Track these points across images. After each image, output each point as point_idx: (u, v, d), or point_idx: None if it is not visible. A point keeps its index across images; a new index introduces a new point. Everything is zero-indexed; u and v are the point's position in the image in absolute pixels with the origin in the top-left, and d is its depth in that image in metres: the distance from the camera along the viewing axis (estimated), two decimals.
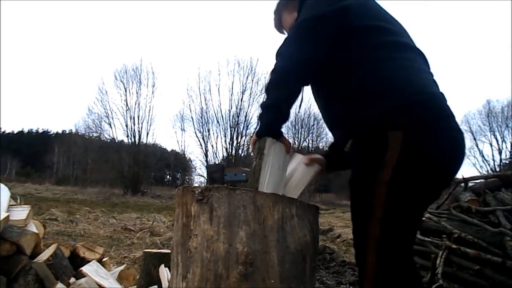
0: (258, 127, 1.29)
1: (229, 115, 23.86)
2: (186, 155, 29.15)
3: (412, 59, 1.23)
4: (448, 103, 1.21)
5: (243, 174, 1.53)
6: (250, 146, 1.34)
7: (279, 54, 1.21)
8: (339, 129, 1.33)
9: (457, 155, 1.19)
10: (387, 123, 1.13)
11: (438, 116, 1.15)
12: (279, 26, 1.52)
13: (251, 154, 1.39)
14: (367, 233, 1.18)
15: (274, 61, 1.23)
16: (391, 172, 1.12)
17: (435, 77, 1.26)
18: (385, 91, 1.15)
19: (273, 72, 1.22)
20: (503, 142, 28.09)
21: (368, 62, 1.18)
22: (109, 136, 25.12)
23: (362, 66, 1.19)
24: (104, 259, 2.45)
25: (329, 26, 1.17)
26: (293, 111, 1.26)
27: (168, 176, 38.36)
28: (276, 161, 1.27)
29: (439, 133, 1.13)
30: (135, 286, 2.27)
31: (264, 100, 1.24)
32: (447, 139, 1.15)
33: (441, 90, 1.23)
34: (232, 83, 23.77)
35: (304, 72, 1.21)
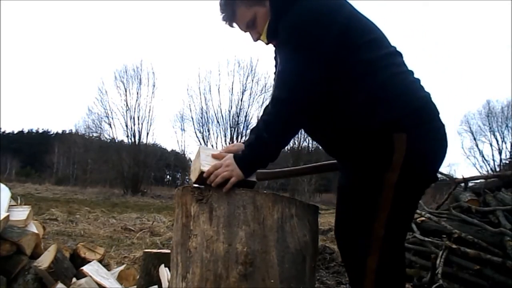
0: (244, 155, 1.20)
1: (229, 115, 23.85)
2: (186, 155, 29.14)
3: (402, 64, 1.26)
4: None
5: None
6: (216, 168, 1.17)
7: (284, 84, 1.18)
8: (337, 141, 1.30)
9: (445, 151, 1.25)
10: (392, 128, 1.16)
11: (432, 116, 1.21)
12: (231, 20, 1.37)
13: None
14: (372, 233, 1.18)
15: (277, 90, 1.21)
16: (398, 174, 1.15)
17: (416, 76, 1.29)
18: (387, 99, 1.18)
19: (278, 104, 1.19)
20: (503, 142, 28.07)
21: (369, 73, 1.19)
22: (109, 136, 25.11)
23: (363, 77, 1.20)
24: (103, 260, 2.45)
25: (328, 52, 1.17)
26: None
27: (168, 176, 38.37)
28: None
29: (434, 132, 1.20)
30: (135, 286, 2.27)
31: (261, 128, 1.19)
32: (440, 137, 1.22)
33: (426, 90, 1.27)
34: (232, 83, 23.74)
35: (310, 103, 1.19)
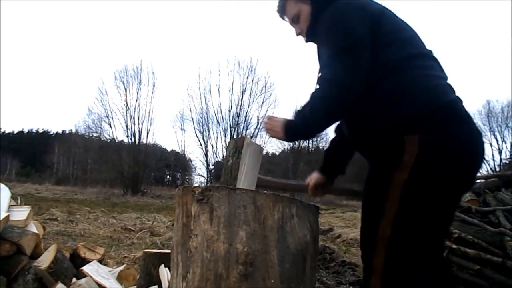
0: (290, 126, 1.31)
1: (229, 115, 23.84)
2: (186, 155, 29.14)
3: (430, 67, 1.25)
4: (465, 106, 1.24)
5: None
6: (269, 128, 1.36)
7: (331, 82, 1.22)
8: (357, 136, 1.35)
9: (474, 157, 1.20)
10: (405, 129, 1.16)
11: (454, 120, 1.18)
12: (282, 12, 1.51)
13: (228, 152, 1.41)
14: (377, 232, 1.20)
15: (323, 86, 1.25)
16: (407, 174, 1.14)
17: (449, 81, 1.28)
18: (403, 99, 1.18)
19: (321, 98, 1.24)
20: (503, 142, 28.05)
21: (390, 73, 1.21)
22: (109, 136, 25.10)
23: (383, 77, 1.21)
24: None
25: (368, 48, 1.21)
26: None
27: (168, 176, 38.34)
28: (252, 160, 1.33)
29: (456, 137, 1.16)
30: (135, 286, 2.27)
31: (309, 111, 1.26)
32: (462, 142, 1.17)
33: (457, 94, 1.25)
34: (232, 83, 23.72)
35: (352, 97, 1.23)
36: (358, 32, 1.21)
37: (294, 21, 1.46)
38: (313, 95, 1.27)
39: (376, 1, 1.34)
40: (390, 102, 1.19)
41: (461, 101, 1.23)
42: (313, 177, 1.69)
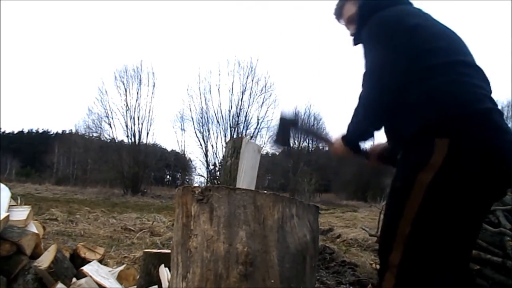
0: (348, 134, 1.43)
1: (229, 115, 23.82)
2: (186, 155, 29.11)
3: (467, 75, 1.27)
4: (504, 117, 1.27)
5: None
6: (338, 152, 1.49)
7: (363, 106, 1.35)
8: (390, 135, 1.42)
9: (506, 167, 1.19)
10: (435, 131, 1.18)
11: (486, 128, 1.18)
12: (338, 14, 1.59)
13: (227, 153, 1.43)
14: (397, 228, 1.21)
15: (357, 110, 1.37)
16: (433, 174, 1.16)
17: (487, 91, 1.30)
18: (434, 103, 1.21)
19: (357, 123, 1.38)
20: None
21: (426, 77, 1.25)
22: (109, 136, 25.06)
23: (419, 80, 1.25)
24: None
25: (402, 56, 1.27)
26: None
27: (168, 176, 38.33)
28: (250, 160, 1.33)
29: (486, 144, 1.16)
30: (135, 286, 2.27)
31: (359, 115, 1.37)
32: (492, 149, 1.17)
33: (496, 105, 1.27)
34: (232, 83, 23.70)
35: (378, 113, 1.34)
36: (395, 40, 1.28)
37: (350, 22, 1.55)
38: (349, 124, 1.41)
39: (418, 7, 1.41)
40: (423, 104, 1.22)
41: (500, 113, 1.25)
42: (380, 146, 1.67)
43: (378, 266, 3.87)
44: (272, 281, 1.01)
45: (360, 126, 1.39)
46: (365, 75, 1.35)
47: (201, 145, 24.30)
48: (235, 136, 23.69)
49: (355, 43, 1.53)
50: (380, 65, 1.30)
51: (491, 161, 1.16)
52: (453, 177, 1.15)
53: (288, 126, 1.56)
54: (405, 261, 1.20)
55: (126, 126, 24.01)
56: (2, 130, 41.13)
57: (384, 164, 1.65)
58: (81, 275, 2.08)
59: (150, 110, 24.43)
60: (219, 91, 25.10)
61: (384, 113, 1.36)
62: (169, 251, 2.38)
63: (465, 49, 1.35)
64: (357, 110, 1.37)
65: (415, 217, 1.19)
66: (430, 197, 1.17)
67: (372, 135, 1.42)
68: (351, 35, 1.57)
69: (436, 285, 1.21)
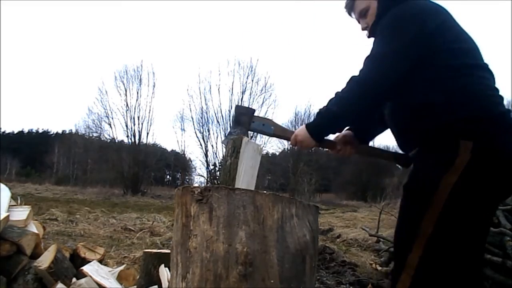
0: (314, 126, 1.40)
1: (229, 115, 23.81)
2: (186, 155, 29.09)
3: (487, 78, 1.28)
4: None
5: (272, 127, 1.51)
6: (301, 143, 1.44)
7: (360, 81, 1.31)
8: (407, 136, 1.39)
9: None
10: (459, 131, 1.18)
11: (506, 130, 1.20)
12: (350, 7, 1.56)
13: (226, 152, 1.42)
14: (419, 229, 1.20)
15: (351, 84, 1.33)
16: (458, 176, 1.16)
17: (501, 93, 1.31)
18: (458, 102, 1.21)
19: (347, 97, 1.33)
20: None
21: (449, 77, 1.24)
22: (109, 136, 25.05)
23: (443, 80, 1.24)
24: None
25: (411, 58, 1.26)
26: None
27: (168, 176, 38.33)
28: (249, 159, 1.33)
29: (506, 146, 1.18)
30: (135, 286, 2.27)
31: (332, 103, 1.35)
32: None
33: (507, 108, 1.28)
34: (232, 83, 23.70)
35: (377, 104, 1.35)
36: (406, 41, 1.26)
37: (362, 16, 1.52)
38: (337, 93, 1.35)
39: (441, 5, 1.38)
40: (447, 102, 1.22)
41: (509, 113, 1.26)
42: (343, 133, 1.66)
43: (378, 267, 3.88)
44: (272, 281, 1.01)
45: (355, 104, 1.32)
46: (368, 57, 1.32)
47: (201, 145, 24.28)
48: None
49: (370, 35, 1.50)
50: (390, 51, 1.27)
51: (510, 165, 1.18)
52: (477, 179, 1.16)
53: (243, 116, 1.52)
54: (424, 262, 1.19)
55: (126, 126, 24.00)
56: (2, 130, 41.13)
57: (358, 152, 1.64)
58: (81, 275, 2.08)
59: (150, 110, 24.43)
60: (219, 91, 25.12)
61: (382, 100, 1.35)
62: (169, 251, 2.38)
63: (480, 52, 1.35)
64: (352, 89, 1.32)
65: (438, 218, 1.18)
66: (454, 199, 1.17)
67: (366, 116, 1.40)
68: (363, 29, 1.54)
69: None
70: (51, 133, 44.18)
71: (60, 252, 2.15)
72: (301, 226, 1.09)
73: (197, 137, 24.17)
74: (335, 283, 3.41)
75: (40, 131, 45.64)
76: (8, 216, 2.10)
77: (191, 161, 29.46)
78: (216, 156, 23.43)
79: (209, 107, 23.92)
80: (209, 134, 24.04)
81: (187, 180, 31.43)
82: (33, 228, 2.29)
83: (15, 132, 44.74)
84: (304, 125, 1.43)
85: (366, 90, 1.29)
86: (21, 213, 2.27)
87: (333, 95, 1.36)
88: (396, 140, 1.46)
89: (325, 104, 1.37)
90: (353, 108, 1.33)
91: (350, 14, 1.58)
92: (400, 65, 1.27)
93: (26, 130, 45.70)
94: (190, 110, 24.23)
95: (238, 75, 23.64)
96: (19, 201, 2.67)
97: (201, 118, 24.00)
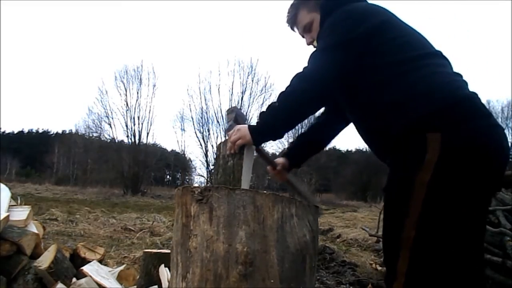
0: (258, 126, 1.33)
1: None
2: (186, 155, 29.13)
3: (443, 65, 1.25)
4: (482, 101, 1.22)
5: (229, 123, 1.45)
6: (231, 142, 1.36)
7: (301, 76, 1.27)
8: (375, 140, 1.36)
9: (499, 151, 1.16)
10: (424, 126, 1.14)
11: (473, 115, 1.14)
12: (292, 22, 1.52)
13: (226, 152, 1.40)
14: (402, 234, 1.15)
15: (292, 81, 1.28)
16: (431, 173, 1.11)
17: (464, 78, 1.27)
18: (419, 97, 1.16)
19: (290, 93, 1.28)
20: None
21: (404, 72, 1.21)
22: (109, 136, 25.10)
23: (398, 77, 1.21)
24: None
25: (351, 53, 1.24)
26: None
27: (168, 176, 38.36)
28: (249, 160, 1.34)
29: (475, 132, 1.12)
30: (135, 286, 2.27)
31: (278, 100, 1.30)
32: (484, 137, 1.13)
33: (472, 90, 1.23)
34: (232, 83, 23.75)
35: (322, 98, 1.30)
36: (349, 34, 1.23)
37: (306, 30, 1.49)
38: (281, 92, 1.30)
39: (382, 6, 1.35)
40: (407, 99, 1.18)
41: (477, 96, 1.21)
42: (281, 161, 1.71)
43: (378, 267, 3.87)
44: (272, 281, 1.01)
45: (300, 98, 1.26)
46: (313, 55, 1.29)
47: (201, 145, 24.32)
48: None
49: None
50: (328, 46, 1.25)
51: (484, 150, 1.12)
52: (452, 173, 1.11)
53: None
54: (413, 268, 1.14)
55: (126, 126, 24.04)
56: (2, 130, 41.18)
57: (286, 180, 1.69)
58: (81, 275, 2.08)
59: (150, 110, 24.50)
60: (219, 91, 25.21)
61: (326, 95, 1.31)
62: (169, 251, 2.38)
63: (429, 41, 1.32)
64: (294, 84, 1.27)
65: (418, 219, 1.12)
66: (432, 196, 1.11)
67: (318, 109, 1.34)
68: (309, 43, 1.50)
69: None
70: (51, 133, 44.23)
71: (60, 252, 2.15)
72: (301, 226, 1.09)
73: (197, 137, 24.22)
74: (335, 283, 3.41)
75: (40, 131, 45.70)
76: (8, 216, 2.10)
77: (191, 161, 29.50)
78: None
79: (209, 107, 23.97)
80: (209, 134, 24.09)
81: (187, 180, 31.47)
82: (33, 228, 2.29)
83: (15, 132, 44.82)
84: (248, 124, 1.36)
85: (309, 84, 1.26)
86: (21, 213, 2.27)
87: (275, 102, 1.32)
88: (371, 149, 1.41)
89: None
90: (299, 102, 1.28)
91: (292, 29, 1.54)
92: (338, 56, 1.24)
93: (26, 130, 45.78)
94: (190, 110, 24.32)
95: (238, 75, 23.67)
96: (19, 201, 2.67)
97: (201, 118, 24.05)
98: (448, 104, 1.13)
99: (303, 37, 1.53)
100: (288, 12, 1.51)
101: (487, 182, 1.16)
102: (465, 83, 1.23)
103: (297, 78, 1.27)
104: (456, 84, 1.20)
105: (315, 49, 1.33)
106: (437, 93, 1.15)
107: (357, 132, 1.44)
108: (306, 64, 1.29)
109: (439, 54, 1.28)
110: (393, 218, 1.21)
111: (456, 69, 1.28)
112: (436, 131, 1.11)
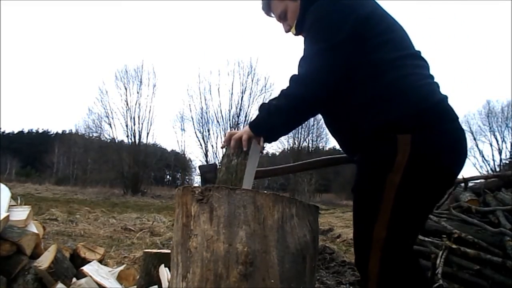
0: (258, 125, 1.32)
1: (229, 115, 23.86)
2: (186, 155, 29.14)
3: (420, 66, 1.25)
4: (451, 104, 1.24)
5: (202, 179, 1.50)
6: (234, 141, 1.34)
7: (297, 79, 1.25)
8: (345, 138, 1.34)
9: (460, 154, 1.21)
10: (396, 128, 1.15)
11: (443, 119, 1.18)
12: (267, 9, 1.49)
13: (226, 150, 1.39)
14: (372, 235, 1.17)
15: (289, 84, 1.26)
16: (401, 175, 1.13)
17: (436, 80, 1.28)
18: (392, 99, 1.17)
19: (287, 96, 1.26)
20: (503, 142, 28.05)
21: (381, 73, 1.20)
22: (109, 136, 25.11)
23: (374, 77, 1.20)
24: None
25: (343, 55, 1.21)
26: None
27: (168, 176, 38.34)
28: (254, 160, 1.33)
29: (444, 135, 1.16)
30: (135, 286, 2.27)
31: (278, 99, 1.28)
32: (451, 140, 1.18)
33: (443, 93, 1.24)
34: (232, 83, 23.77)
35: (320, 99, 1.26)
36: (340, 34, 1.20)
37: (281, 18, 1.45)
38: (281, 92, 1.29)
39: None
40: (382, 100, 1.18)
41: (447, 99, 1.23)
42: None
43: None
44: (272, 281, 1.01)
45: (300, 101, 1.24)
46: (302, 58, 1.26)
47: (201, 145, 24.33)
48: None
49: (297, 33, 1.42)
50: (321, 48, 1.21)
51: (451, 153, 1.17)
52: (420, 173, 1.13)
53: (207, 173, 1.52)
54: (385, 268, 1.17)
55: (126, 126, 24.06)
56: (2, 130, 41.17)
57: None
58: (81, 275, 2.08)
59: (150, 110, 24.50)
60: (219, 91, 25.21)
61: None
62: (169, 251, 2.38)
63: (410, 40, 1.30)
64: (279, 105, 1.25)
65: (389, 220, 1.14)
66: (402, 198, 1.14)
67: (316, 113, 1.35)
68: (287, 31, 1.47)
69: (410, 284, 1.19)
70: (51, 133, 44.23)
71: (60, 252, 2.15)
72: (302, 226, 1.09)
73: (197, 137, 24.23)
74: (335, 283, 3.41)
75: (40, 131, 45.69)
76: (8, 216, 2.10)
77: (191, 161, 29.48)
78: (216, 156, 23.44)
79: (209, 107, 23.99)
80: (209, 134, 24.10)
81: (187, 180, 31.45)
82: (33, 228, 2.29)
83: (15, 132, 44.79)
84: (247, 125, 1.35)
85: (306, 89, 1.23)
86: (21, 213, 2.27)
87: (272, 105, 1.30)
88: (339, 145, 1.40)
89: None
90: (298, 104, 1.25)
91: (269, 15, 1.51)
92: (332, 61, 1.21)
93: (26, 130, 45.75)
94: (190, 110, 24.36)
95: (238, 75, 23.69)
96: (19, 201, 2.67)
97: (201, 118, 24.07)
98: (420, 108, 1.15)
99: (280, 22, 1.50)
100: (262, 2, 1.48)
101: (448, 182, 1.24)
102: (438, 86, 1.25)
103: (296, 82, 1.25)
104: (430, 87, 1.22)
105: (305, 49, 1.29)
106: (410, 95, 1.16)
107: (325, 127, 1.45)
108: (300, 64, 1.27)
109: (418, 55, 1.28)
110: (363, 219, 1.23)
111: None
112: (407, 132, 1.13)
